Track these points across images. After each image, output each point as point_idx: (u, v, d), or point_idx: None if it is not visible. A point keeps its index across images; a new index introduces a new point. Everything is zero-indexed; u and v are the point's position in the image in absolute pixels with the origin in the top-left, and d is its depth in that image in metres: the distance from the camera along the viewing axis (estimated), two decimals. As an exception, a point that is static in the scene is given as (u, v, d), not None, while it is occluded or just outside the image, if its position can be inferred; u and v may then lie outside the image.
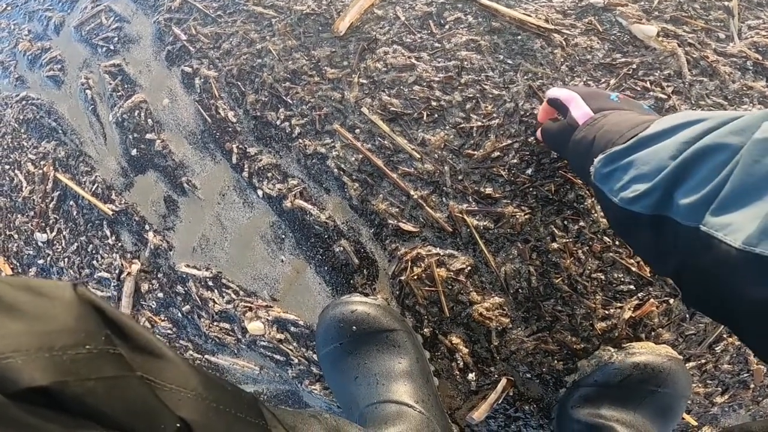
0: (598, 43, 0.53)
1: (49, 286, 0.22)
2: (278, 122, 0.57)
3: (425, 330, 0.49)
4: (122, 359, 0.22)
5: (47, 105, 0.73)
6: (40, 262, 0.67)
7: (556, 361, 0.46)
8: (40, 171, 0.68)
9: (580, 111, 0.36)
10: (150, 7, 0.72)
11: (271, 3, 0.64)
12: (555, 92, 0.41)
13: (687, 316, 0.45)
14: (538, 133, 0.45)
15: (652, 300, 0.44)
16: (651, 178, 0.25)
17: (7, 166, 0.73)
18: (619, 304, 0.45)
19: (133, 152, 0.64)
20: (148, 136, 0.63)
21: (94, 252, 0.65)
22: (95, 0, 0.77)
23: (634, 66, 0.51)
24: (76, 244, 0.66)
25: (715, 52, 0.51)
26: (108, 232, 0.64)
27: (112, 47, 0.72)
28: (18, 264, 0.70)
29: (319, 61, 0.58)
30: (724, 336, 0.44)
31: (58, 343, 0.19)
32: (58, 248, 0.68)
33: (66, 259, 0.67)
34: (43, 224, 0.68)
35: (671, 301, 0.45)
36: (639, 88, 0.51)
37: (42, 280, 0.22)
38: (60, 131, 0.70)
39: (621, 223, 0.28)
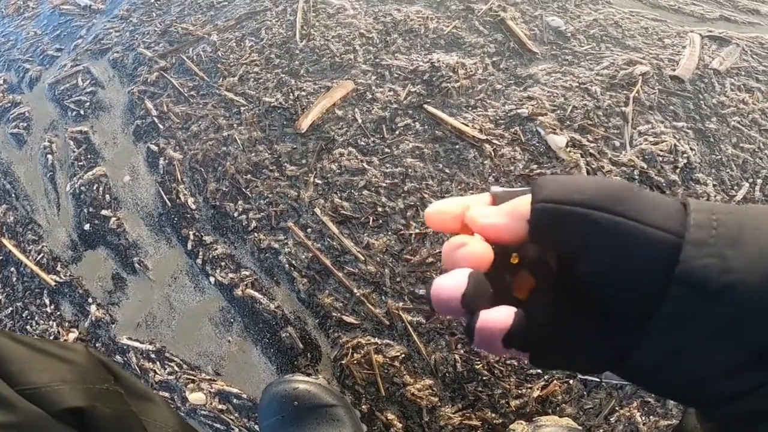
0: (520, 153, 0.62)
1: (68, 343, 0.32)
2: (236, 214, 0.61)
3: (363, 407, 0.52)
4: (123, 397, 0.31)
5: (5, 165, 0.72)
6: (-33, 331, 0.64)
7: (479, 436, 0.50)
8: (-16, 235, 0.67)
9: None
10: (128, 76, 0.76)
11: (242, 90, 0.70)
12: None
13: (585, 393, 0.51)
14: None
15: (555, 381, 0.51)
16: None
17: (-54, 225, 0.70)
18: (529, 385, 0.51)
19: (86, 227, 0.64)
20: (104, 212, 0.64)
21: (29, 318, 0.63)
22: (75, 59, 0.79)
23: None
24: (10, 308, 0.64)
25: (611, 161, 0.61)
26: (47, 301, 0.63)
27: (82, 112, 0.74)
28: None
29: (281, 156, 0.63)
30: (617, 408, 0.51)
31: (88, 379, 0.29)
32: (-10, 313, 0.65)
33: (-3, 324, 0.64)
34: (-22, 289, 0.66)
35: (571, 381, 0.51)
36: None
37: (58, 340, 0.31)
38: (13, 195, 0.69)
39: None
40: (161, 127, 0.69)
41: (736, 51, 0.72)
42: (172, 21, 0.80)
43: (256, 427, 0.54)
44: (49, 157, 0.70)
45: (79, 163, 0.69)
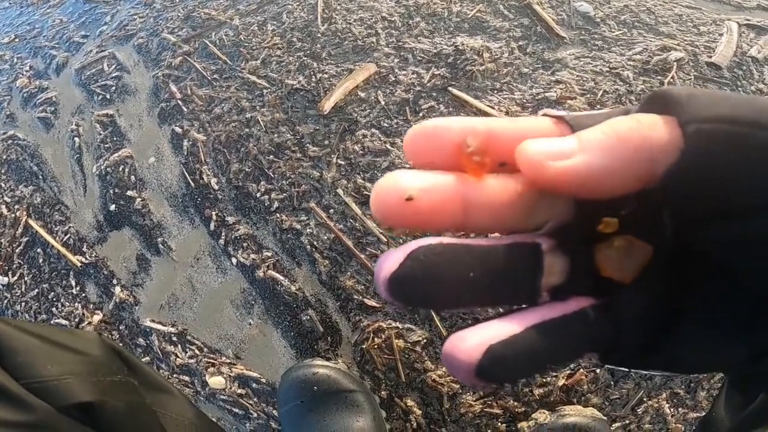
0: (551, 141, 0.60)
1: (79, 331, 0.30)
2: (258, 194, 0.61)
3: (383, 392, 0.51)
4: (137, 389, 0.29)
5: (32, 147, 0.74)
6: (-4, 306, 0.65)
7: (500, 423, 0.49)
8: (13, 215, 0.68)
9: None
10: (152, 61, 0.76)
11: (265, 73, 0.70)
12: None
13: (612, 383, 0.49)
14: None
15: (581, 370, 0.50)
16: None
17: (-23, 205, 0.72)
18: (554, 374, 0.50)
19: (112, 207, 0.65)
20: (130, 193, 0.65)
21: (54, 299, 0.64)
22: (101, 45, 0.81)
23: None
24: (36, 290, 0.65)
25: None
26: (73, 282, 0.63)
27: (108, 96, 0.75)
28: (-29, 307, 0.67)
29: (303, 137, 0.63)
30: (645, 399, 0.49)
31: (99, 371, 0.27)
32: (17, 292, 0.66)
33: (23, 304, 0.65)
34: (6, 268, 0.67)
35: (598, 371, 0.49)
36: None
37: (70, 328, 0.30)
38: (40, 177, 0.71)
39: None
40: (185, 109, 0.69)
41: (775, 37, 0.69)
42: (195, 6, 0.80)
43: (275, 412, 0.53)
44: (76, 139, 0.72)
45: (105, 146, 0.69)
